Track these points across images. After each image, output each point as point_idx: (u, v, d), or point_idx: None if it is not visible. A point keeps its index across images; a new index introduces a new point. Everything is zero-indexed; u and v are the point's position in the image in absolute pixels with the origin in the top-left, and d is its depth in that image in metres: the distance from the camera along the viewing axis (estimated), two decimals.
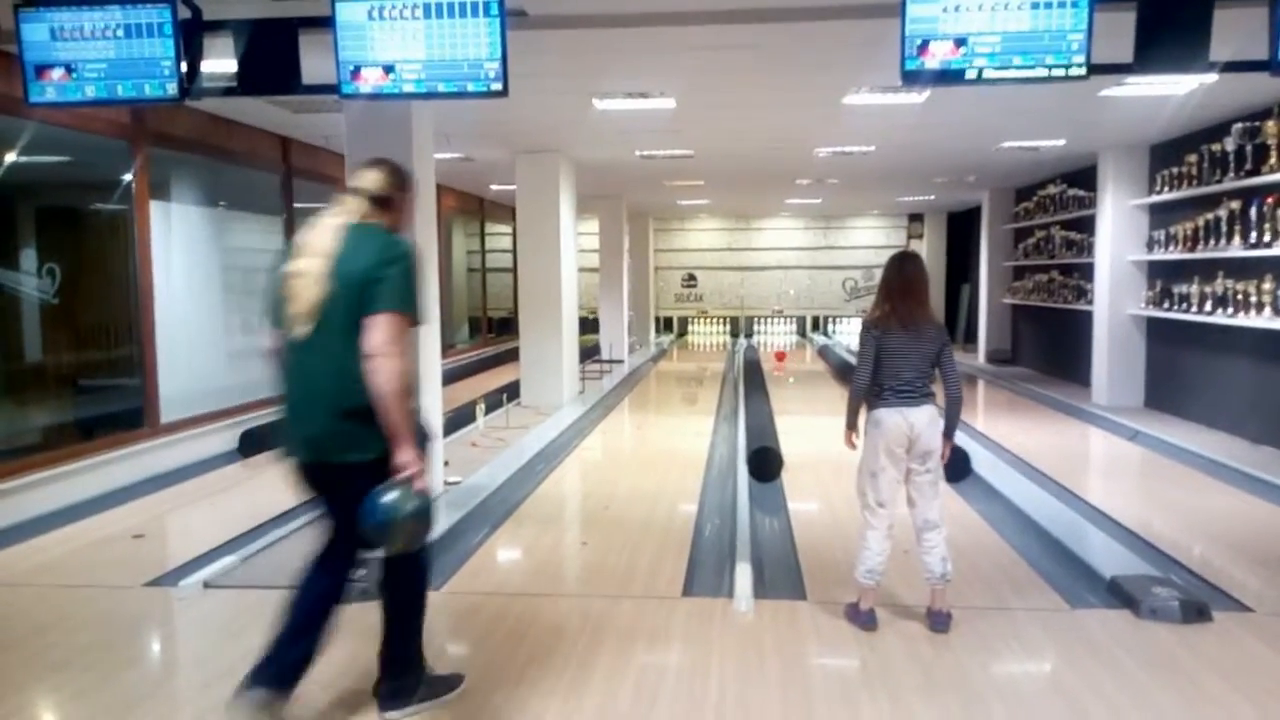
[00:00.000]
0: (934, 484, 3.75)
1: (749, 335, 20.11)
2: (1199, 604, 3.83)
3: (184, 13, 3.77)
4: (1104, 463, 7.71)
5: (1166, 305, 8.51)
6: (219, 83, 3.94)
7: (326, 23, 3.68)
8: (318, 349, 2.74)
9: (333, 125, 6.98)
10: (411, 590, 3.04)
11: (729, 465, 6.80)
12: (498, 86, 3.69)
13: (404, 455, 2.70)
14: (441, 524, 5.07)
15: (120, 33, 3.75)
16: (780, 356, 16.01)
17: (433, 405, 5.67)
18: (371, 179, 2.91)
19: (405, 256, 2.78)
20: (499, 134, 8.64)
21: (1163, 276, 8.74)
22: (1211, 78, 5.34)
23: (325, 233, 2.80)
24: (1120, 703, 3.10)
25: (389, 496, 2.66)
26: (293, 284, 2.76)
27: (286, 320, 2.78)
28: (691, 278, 20.87)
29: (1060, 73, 3.52)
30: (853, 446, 3.91)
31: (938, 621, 3.67)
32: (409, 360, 2.76)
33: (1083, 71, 3.51)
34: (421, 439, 2.83)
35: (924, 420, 3.66)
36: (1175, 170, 8.39)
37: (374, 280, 2.70)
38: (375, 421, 2.68)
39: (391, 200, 2.92)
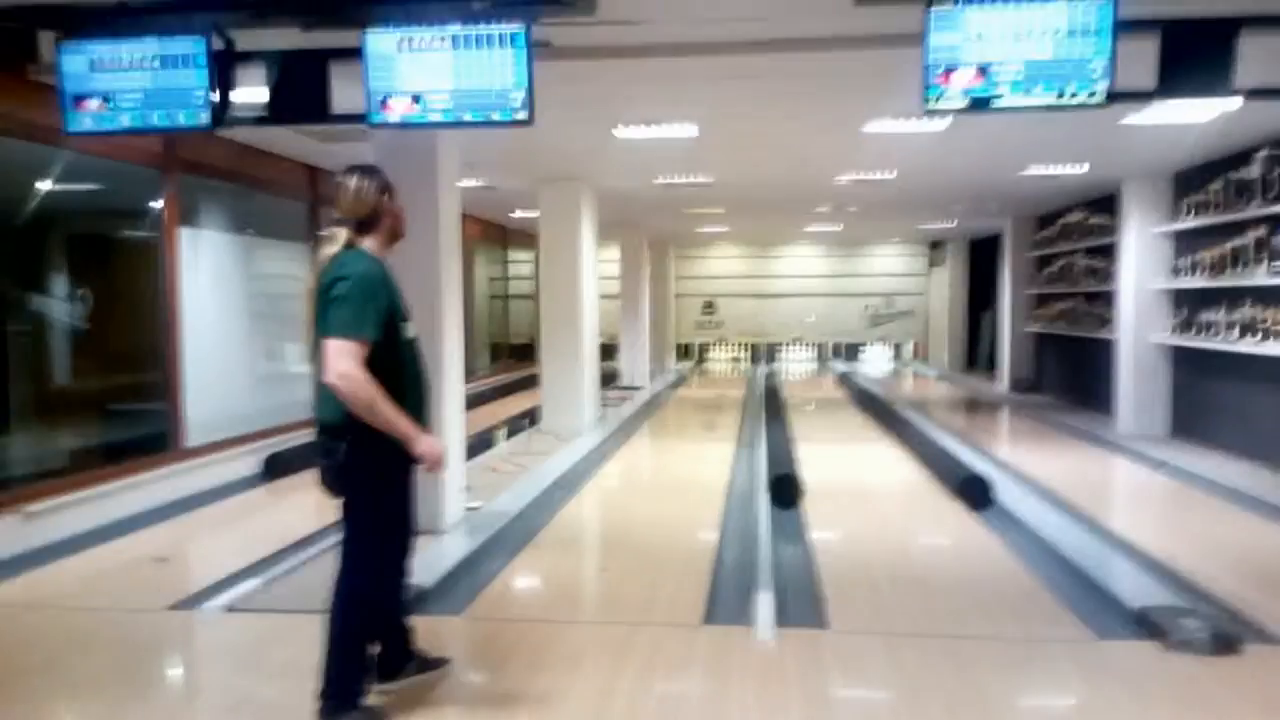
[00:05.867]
0: None
1: (770, 361, 20.03)
2: (1229, 635, 3.76)
3: (218, 44, 3.86)
4: (1129, 492, 7.61)
5: (1192, 333, 8.44)
6: (250, 112, 4.02)
7: (356, 54, 3.75)
8: (315, 364, 2.96)
9: (359, 154, 7.06)
10: (340, 605, 3.03)
11: (749, 492, 6.77)
12: (523, 116, 3.73)
13: (418, 447, 2.91)
14: (462, 549, 5.10)
15: (156, 64, 3.83)
16: None
17: (454, 430, 5.70)
18: (347, 205, 3.06)
19: (349, 276, 2.89)
20: (522, 163, 8.73)
21: (1188, 304, 8.67)
22: (1235, 104, 5.33)
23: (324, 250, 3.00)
24: None
25: None
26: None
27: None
28: (710, 305, 20.89)
29: (1083, 100, 3.53)
30: None
31: None
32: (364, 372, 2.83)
33: (1105, 98, 3.52)
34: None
35: None
36: (1199, 197, 8.35)
37: (325, 304, 2.88)
38: (345, 435, 2.88)
39: (373, 221, 3.08)
